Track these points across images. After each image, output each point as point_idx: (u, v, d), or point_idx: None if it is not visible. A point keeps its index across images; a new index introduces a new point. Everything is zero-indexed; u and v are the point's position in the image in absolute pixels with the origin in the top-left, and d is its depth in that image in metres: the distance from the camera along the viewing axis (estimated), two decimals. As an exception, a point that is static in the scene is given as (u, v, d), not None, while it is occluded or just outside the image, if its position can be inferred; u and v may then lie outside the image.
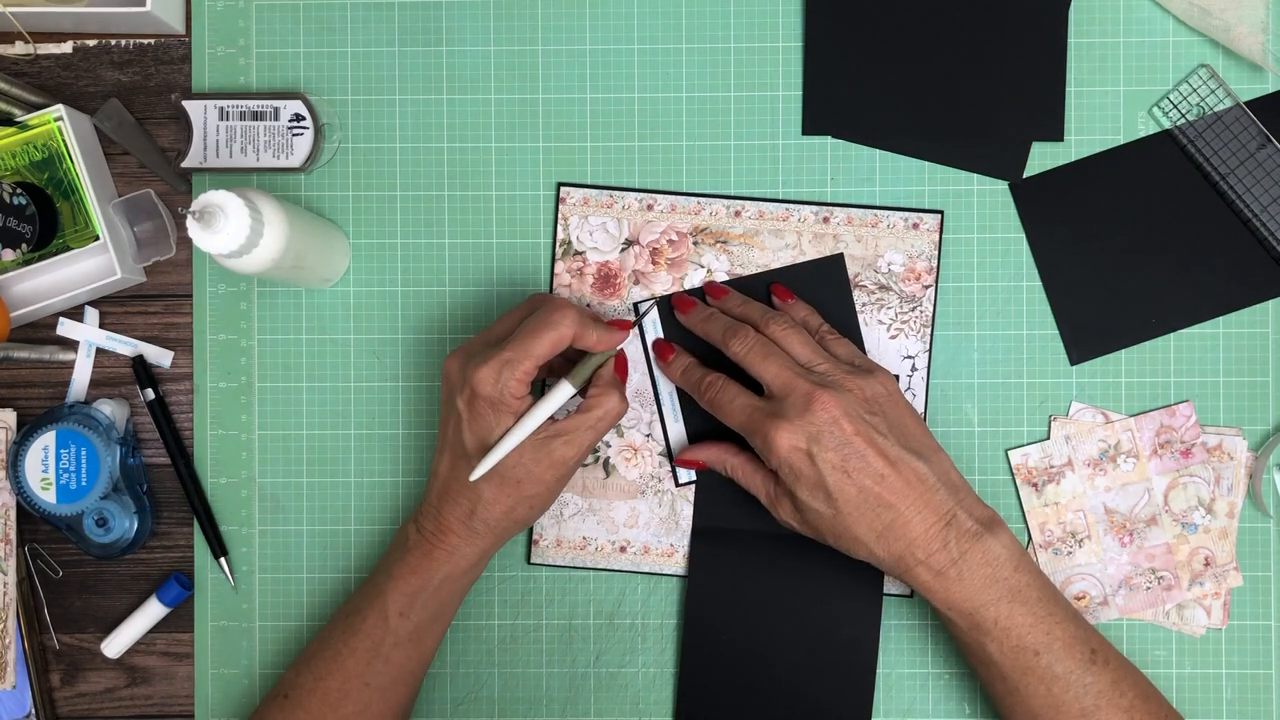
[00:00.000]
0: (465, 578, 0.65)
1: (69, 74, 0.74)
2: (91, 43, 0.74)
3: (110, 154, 0.74)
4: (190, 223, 0.58)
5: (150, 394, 0.72)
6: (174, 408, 0.73)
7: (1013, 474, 0.72)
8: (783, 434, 0.62)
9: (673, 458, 0.72)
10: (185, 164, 0.72)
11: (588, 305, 0.72)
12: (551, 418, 0.64)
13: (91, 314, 0.73)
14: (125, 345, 0.73)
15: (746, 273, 0.72)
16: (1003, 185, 0.72)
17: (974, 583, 0.61)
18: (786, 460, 0.62)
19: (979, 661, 0.63)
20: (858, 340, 0.71)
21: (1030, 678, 0.61)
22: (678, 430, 0.72)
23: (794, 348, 0.65)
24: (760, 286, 0.71)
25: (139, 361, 0.73)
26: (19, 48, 0.73)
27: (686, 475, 0.72)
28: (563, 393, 0.64)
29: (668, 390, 0.72)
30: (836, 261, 0.71)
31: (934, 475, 0.62)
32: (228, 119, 0.72)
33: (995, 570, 0.61)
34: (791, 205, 0.72)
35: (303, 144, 0.71)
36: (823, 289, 0.71)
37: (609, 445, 0.72)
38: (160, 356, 0.73)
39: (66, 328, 0.73)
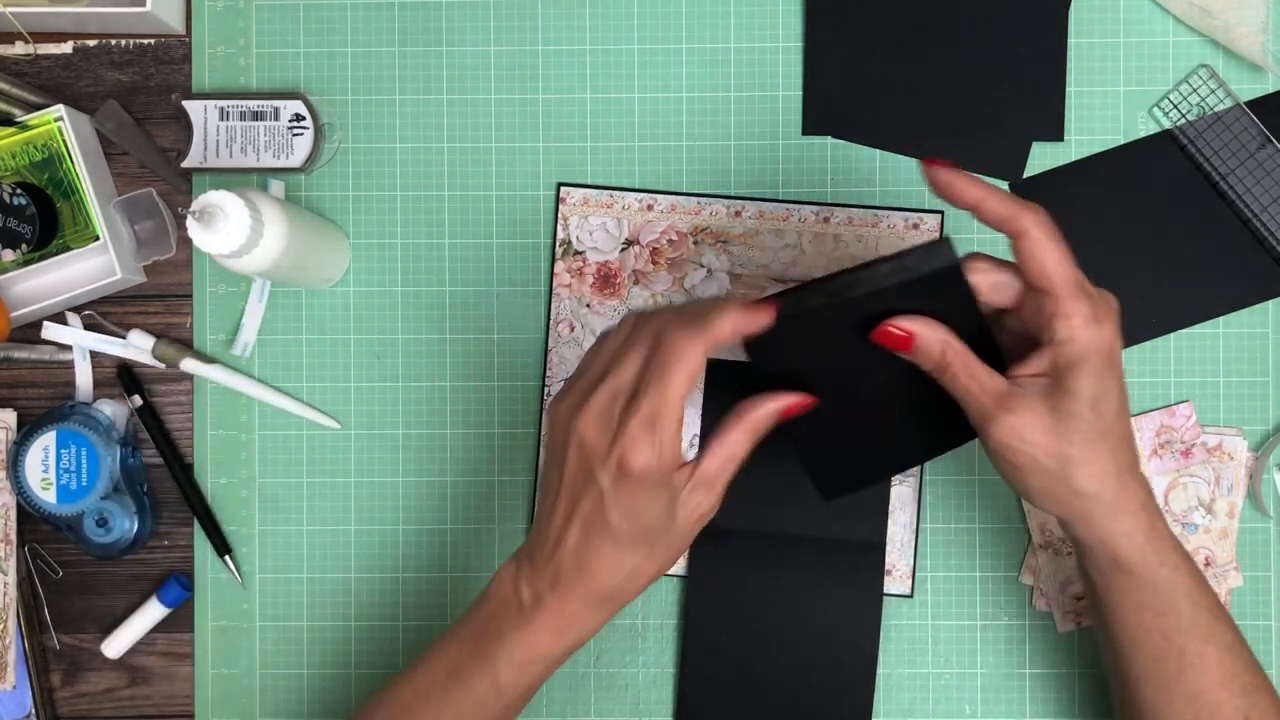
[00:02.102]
0: (584, 643, 0.59)
1: (69, 74, 0.74)
2: (91, 43, 0.74)
3: (110, 154, 0.74)
4: (190, 223, 0.58)
5: (138, 400, 0.72)
6: (174, 408, 0.73)
7: (1013, 474, 0.72)
8: (1106, 319, 0.55)
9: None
10: (185, 164, 0.72)
11: (587, 306, 0.72)
12: (694, 463, 0.56)
13: (73, 318, 0.73)
14: (114, 346, 0.73)
15: (747, 272, 0.72)
16: (1003, 185, 0.72)
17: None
18: (1105, 339, 0.54)
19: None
20: None
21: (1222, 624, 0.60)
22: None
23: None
24: (856, 312, 0.56)
25: (124, 370, 0.73)
26: (19, 48, 0.73)
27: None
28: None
29: None
30: (946, 258, 0.54)
31: None
32: (228, 119, 0.72)
33: None
34: (791, 205, 0.72)
35: (303, 144, 0.71)
36: (937, 300, 0.56)
37: (609, 445, 0.72)
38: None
39: (51, 331, 0.72)
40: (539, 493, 0.59)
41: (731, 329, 0.53)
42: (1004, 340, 0.58)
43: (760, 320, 0.54)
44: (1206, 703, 0.59)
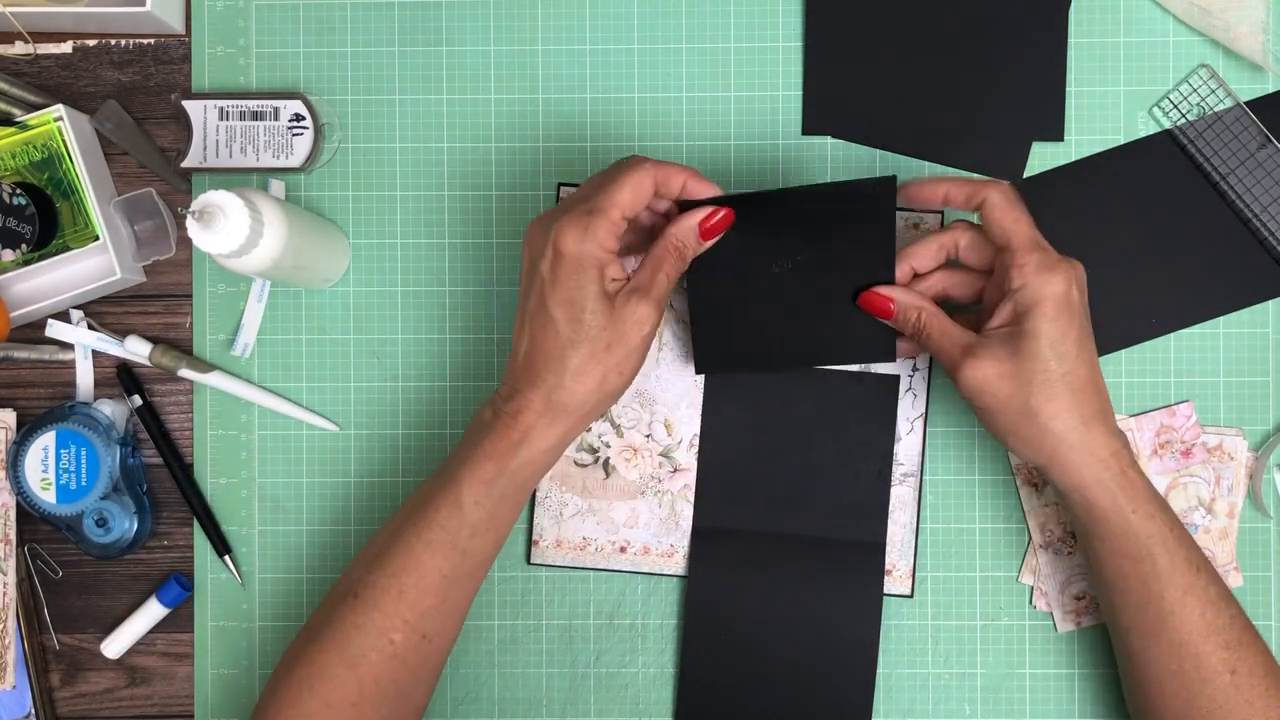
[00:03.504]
0: (543, 460, 0.62)
1: (69, 74, 0.74)
2: (91, 43, 0.74)
3: (110, 154, 0.74)
4: (190, 223, 0.59)
5: (138, 400, 0.72)
6: (174, 408, 0.74)
7: (1013, 474, 0.72)
8: (1058, 268, 0.60)
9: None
10: (185, 164, 0.72)
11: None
12: (627, 276, 0.62)
13: (76, 315, 0.73)
14: (115, 345, 0.73)
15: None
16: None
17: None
18: (1057, 285, 0.59)
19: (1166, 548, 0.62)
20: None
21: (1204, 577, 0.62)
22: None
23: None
24: (782, 207, 0.64)
25: (124, 370, 0.73)
26: (19, 48, 0.73)
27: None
28: None
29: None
30: (886, 185, 0.62)
31: None
32: (228, 119, 0.72)
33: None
34: (791, 205, 0.72)
35: (303, 144, 0.71)
36: (863, 216, 0.64)
37: (609, 446, 0.72)
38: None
39: (56, 329, 0.73)
40: None
41: (683, 181, 0.61)
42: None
43: (709, 189, 0.62)
44: (1190, 653, 0.61)
